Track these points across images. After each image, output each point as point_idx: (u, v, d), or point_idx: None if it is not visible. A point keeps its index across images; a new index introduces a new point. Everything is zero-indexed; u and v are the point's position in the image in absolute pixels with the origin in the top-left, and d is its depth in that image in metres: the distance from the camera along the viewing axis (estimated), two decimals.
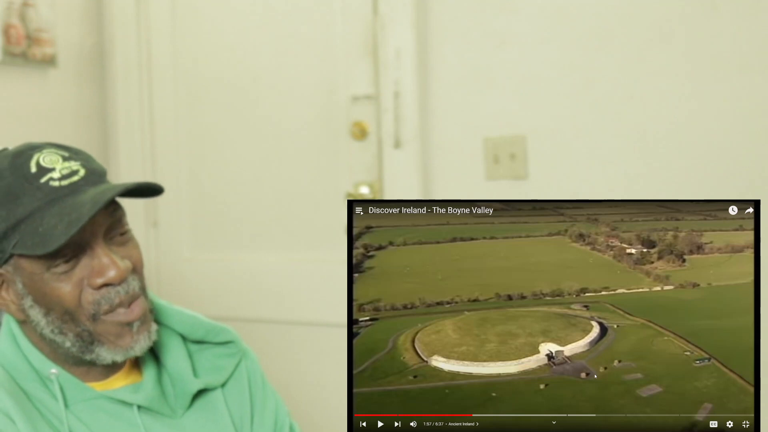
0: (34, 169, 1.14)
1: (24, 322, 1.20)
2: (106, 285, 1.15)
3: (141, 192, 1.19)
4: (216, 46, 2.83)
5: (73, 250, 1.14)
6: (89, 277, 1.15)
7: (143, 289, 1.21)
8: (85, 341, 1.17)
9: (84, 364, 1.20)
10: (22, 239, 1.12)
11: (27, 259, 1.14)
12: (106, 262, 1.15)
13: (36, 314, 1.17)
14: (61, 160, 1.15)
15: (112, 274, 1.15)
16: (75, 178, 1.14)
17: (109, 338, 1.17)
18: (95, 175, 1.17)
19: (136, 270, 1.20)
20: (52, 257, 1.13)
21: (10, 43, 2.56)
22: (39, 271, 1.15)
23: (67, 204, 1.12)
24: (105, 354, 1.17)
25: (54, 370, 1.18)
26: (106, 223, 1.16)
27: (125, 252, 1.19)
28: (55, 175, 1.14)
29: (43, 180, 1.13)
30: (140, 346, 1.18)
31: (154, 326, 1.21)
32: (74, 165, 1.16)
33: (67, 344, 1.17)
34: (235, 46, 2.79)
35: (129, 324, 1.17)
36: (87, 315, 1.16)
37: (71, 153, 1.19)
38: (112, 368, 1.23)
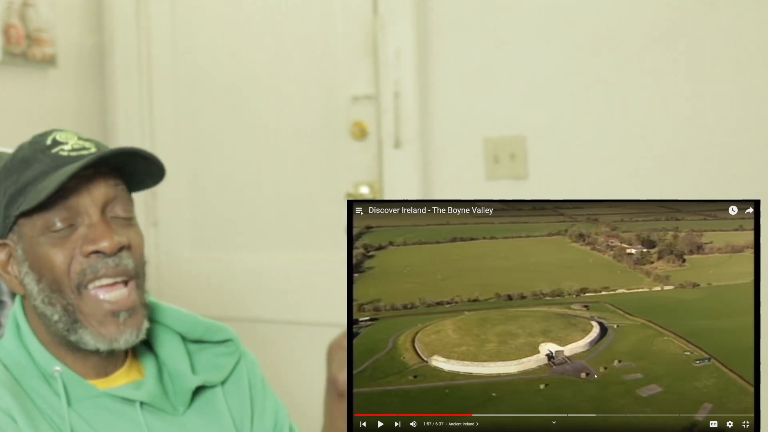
0: (48, 142, 1.19)
1: (26, 298, 1.20)
2: (96, 253, 1.15)
3: (141, 170, 1.21)
4: (216, 46, 2.83)
5: (68, 213, 1.15)
6: (81, 245, 1.15)
7: (139, 276, 1.19)
8: (70, 317, 1.16)
9: (80, 353, 1.19)
10: (26, 200, 1.15)
11: (28, 222, 1.16)
12: (100, 231, 1.15)
13: (30, 282, 1.18)
14: (76, 138, 1.20)
15: (104, 243, 1.14)
16: (84, 152, 1.17)
17: (93, 323, 1.16)
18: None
19: (134, 253, 1.19)
20: (48, 218, 1.15)
21: (10, 43, 2.56)
22: (36, 234, 1.16)
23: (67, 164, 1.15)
24: (88, 339, 1.16)
25: (58, 367, 1.18)
26: (107, 193, 1.17)
27: (127, 234, 1.19)
28: (66, 147, 1.17)
29: (54, 150, 1.17)
30: (125, 339, 1.16)
31: (145, 323, 1.19)
32: (87, 143, 1.19)
33: (55, 317, 1.17)
34: (235, 46, 2.79)
35: (115, 314, 1.16)
36: (72, 286, 1.15)
37: (89, 138, 1.22)
38: (113, 364, 1.23)
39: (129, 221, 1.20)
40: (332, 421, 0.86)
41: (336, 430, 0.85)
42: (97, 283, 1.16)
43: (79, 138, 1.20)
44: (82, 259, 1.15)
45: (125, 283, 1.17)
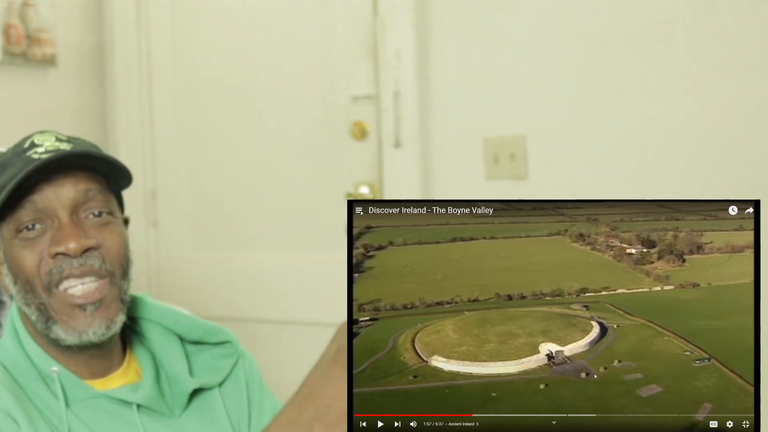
0: (26, 145, 1.20)
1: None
2: (61, 254, 1.16)
3: (110, 171, 1.22)
4: (216, 46, 2.84)
5: (38, 216, 1.17)
6: (49, 246, 1.17)
7: (113, 274, 1.19)
8: (44, 315, 1.18)
9: (69, 352, 1.20)
10: None
11: (4, 224, 1.18)
12: (66, 233, 1.16)
13: (9, 283, 1.20)
14: (53, 140, 1.20)
15: (70, 245, 1.15)
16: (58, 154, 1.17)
17: (62, 317, 1.17)
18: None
19: (107, 254, 1.19)
20: (18, 220, 1.17)
21: (10, 43, 2.56)
22: (10, 237, 1.18)
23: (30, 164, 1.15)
24: (60, 334, 1.17)
25: (56, 368, 1.18)
26: (76, 196, 1.18)
27: (98, 235, 1.19)
28: (40, 149, 1.17)
29: (29, 153, 1.17)
30: (94, 331, 1.17)
31: (119, 317, 1.20)
32: (63, 145, 1.19)
33: (33, 317, 1.18)
34: (235, 46, 2.79)
35: (82, 306, 1.17)
36: (43, 285, 1.17)
37: (70, 139, 1.22)
38: (109, 364, 1.23)
39: (105, 222, 1.20)
40: (334, 390, 0.88)
41: (334, 398, 0.88)
42: (66, 283, 1.17)
43: (58, 139, 1.20)
44: (50, 260, 1.17)
45: (95, 281, 1.18)
